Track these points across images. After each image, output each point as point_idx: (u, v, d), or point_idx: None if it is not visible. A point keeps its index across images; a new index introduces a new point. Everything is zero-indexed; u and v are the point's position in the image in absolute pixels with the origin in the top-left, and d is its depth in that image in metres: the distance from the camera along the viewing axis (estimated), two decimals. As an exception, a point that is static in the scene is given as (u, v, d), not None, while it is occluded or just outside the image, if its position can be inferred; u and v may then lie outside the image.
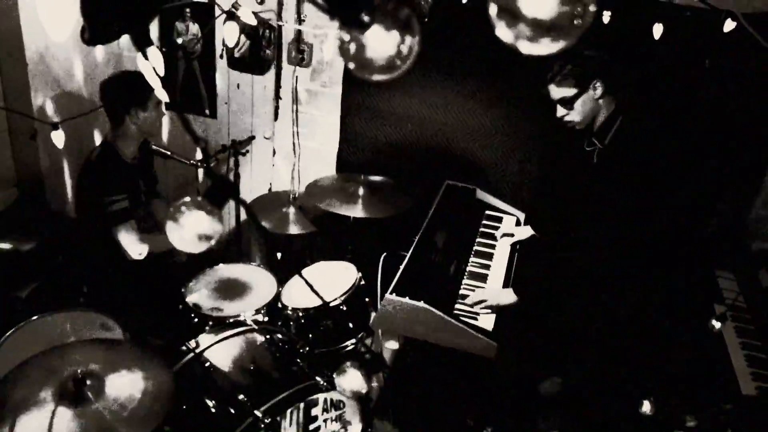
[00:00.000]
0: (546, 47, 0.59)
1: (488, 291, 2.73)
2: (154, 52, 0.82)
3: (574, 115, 2.56)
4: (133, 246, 2.91)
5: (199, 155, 3.61)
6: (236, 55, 3.73)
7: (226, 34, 1.98)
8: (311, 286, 0.96)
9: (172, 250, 3.31)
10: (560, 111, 2.58)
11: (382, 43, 0.68)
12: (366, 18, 0.65)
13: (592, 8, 0.58)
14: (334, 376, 1.08)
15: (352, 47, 0.68)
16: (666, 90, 3.11)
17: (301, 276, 0.94)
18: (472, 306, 2.65)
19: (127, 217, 2.91)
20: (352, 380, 1.07)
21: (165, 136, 4.04)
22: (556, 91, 2.55)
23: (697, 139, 3.14)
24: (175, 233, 0.72)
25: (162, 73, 0.84)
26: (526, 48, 0.61)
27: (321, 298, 0.99)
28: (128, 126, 2.93)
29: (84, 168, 2.99)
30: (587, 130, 2.63)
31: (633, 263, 2.63)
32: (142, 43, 0.80)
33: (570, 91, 2.51)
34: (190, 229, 0.71)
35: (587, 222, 2.65)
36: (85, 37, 1.21)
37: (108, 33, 1.14)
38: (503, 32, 0.61)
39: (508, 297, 2.63)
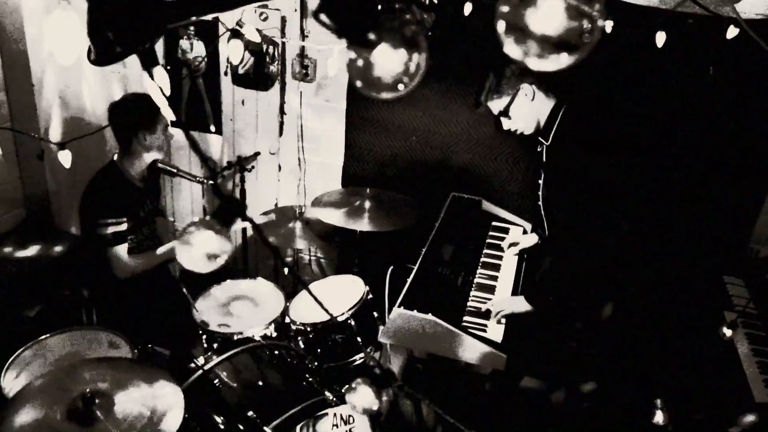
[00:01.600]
0: (555, 63, 0.59)
1: (501, 300, 2.72)
2: (159, 71, 0.82)
3: (517, 122, 2.59)
4: (122, 269, 2.97)
5: (205, 172, 3.62)
6: (241, 71, 3.76)
7: (231, 51, 2.00)
8: (318, 301, 0.95)
9: (167, 268, 3.34)
10: (505, 123, 2.62)
11: (389, 61, 0.68)
12: (372, 36, 0.65)
13: (600, 23, 0.58)
14: (345, 393, 1.07)
15: (360, 66, 0.68)
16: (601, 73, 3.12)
17: (308, 290, 0.94)
18: (484, 312, 2.65)
19: (120, 240, 2.95)
20: (362, 397, 1.06)
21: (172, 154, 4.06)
22: (493, 106, 2.58)
23: (706, 143, 3.13)
24: (184, 253, 0.72)
25: (168, 93, 0.84)
26: (536, 64, 0.61)
27: (328, 312, 0.99)
28: (136, 148, 2.95)
29: (88, 188, 3.01)
30: (538, 132, 2.65)
31: (638, 268, 2.63)
32: (148, 63, 0.80)
33: (502, 102, 2.54)
34: (199, 249, 0.71)
35: (568, 224, 2.66)
36: (91, 57, 1.22)
37: (114, 54, 1.15)
38: (512, 49, 0.61)
39: (521, 305, 2.61)
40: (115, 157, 3.03)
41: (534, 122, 2.59)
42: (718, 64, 2.84)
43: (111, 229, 2.90)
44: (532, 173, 2.85)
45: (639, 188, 3.16)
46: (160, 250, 3.12)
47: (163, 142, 3.00)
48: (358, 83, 0.69)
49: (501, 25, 0.61)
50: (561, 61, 0.59)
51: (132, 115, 2.93)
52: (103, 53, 1.16)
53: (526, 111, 2.55)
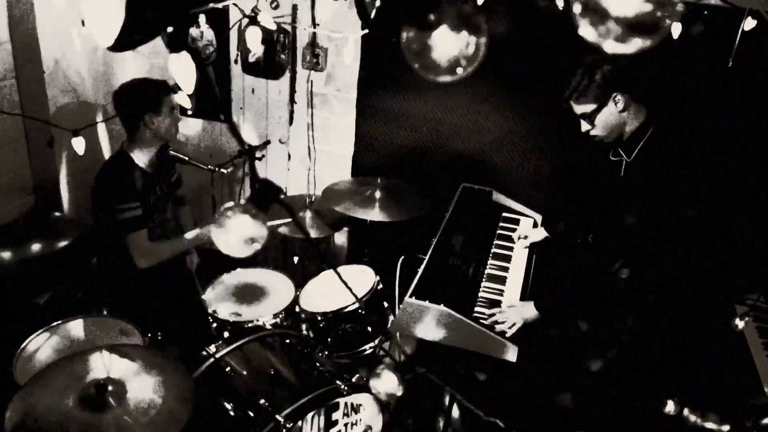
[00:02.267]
0: (632, 46, 0.58)
1: (510, 310, 2.62)
2: (185, 56, 0.81)
3: (599, 130, 2.48)
4: (144, 255, 2.95)
5: (218, 160, 3.61)
6: (251, 60, 3.74)
7: (249, 38, 1.99)
8: (345, 283, 0.95)
9: (183, 258, 3.34)
10: (584, 126, 2.51)
11: (448, 44, 0.66)
12: (432, 17, 0.64)
13: (680, 7, 0.56)
14: (369, 378, 1.06)
15: (417, 48, 0.67)
16: (692, 95, 3.04)
17: (336, 272, 0.93)
18: (492, 324, 2.59)
19: (140, 226, 2.93)
20: (387, 383, 1.06)
21: (183, 139, 4.05)
22: (577, 108, 2.47)
23: (729, 144, 3.08)
24: (221, 238, 0.71)
25: (194, 76, 0.83)
26: (611, 47, 0.59)
27: (355, 295, 0.99)
28: (143, 133, 2.94)
29: (99, 176, 3.01)
30: (616, 142, 2.56)
31: (654, 269, 2.60)
32: (174, 47, 0.79)
33: (589, 107, 2.43)
34: (236, 234, 0.70)
35: (609, 230, 2.61)
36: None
37: (132, 40, 1.14)
38: (587, 31, 0.59)
39: (530, 312, 2.57)
40: (125, 144, 3.03)
41: (617, 133, 2.49)
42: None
43: (128, 214, 2.89)
44: (595, 181, 2.81)
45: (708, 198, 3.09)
46: (189, 236, 3.11)
47: (171, 124, 2.97)
48: (415, 65, 0.67)
49: (577, 7, 0.59)
50: (637, 44, 0.57)
51: (136, 98, 2.92)
52: (121, 39, 1.16)
53: (614, 122, 2.44)
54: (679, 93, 3.06)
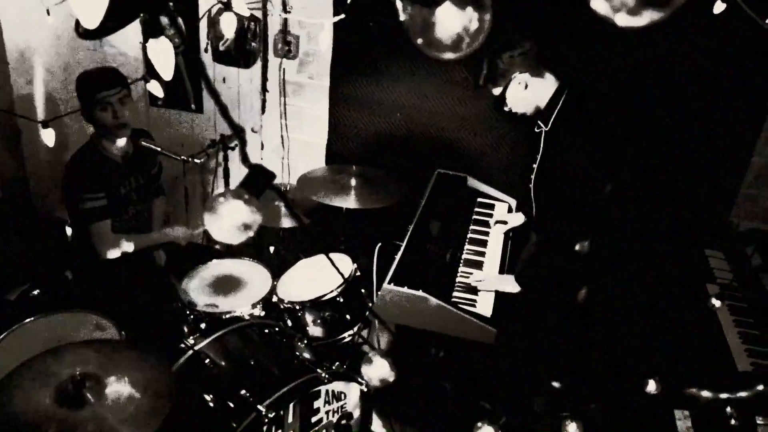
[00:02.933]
0: (645, 18, 0.57)
1: (491, 276, 2.75)
2: (163, 42, 0.79)
3: (516, 108, 2.57)
4: (105, 245, 2.92)
5: (190, 150, 3.56)
6: (221, 48, 3.68)
7: (224, 25, 1.96)
8: (336, 267, 0.94)
9: (152, 252, 3.30)
10: (504, 106, 2.59)
11: (452, 19, 0.65)
12: None
13: None
14: (361, 365, 1.06)
15: (420, 24, 0.66)
16: (606, 57, 3.11)
17: (327, 256, 0.93)
18: (472, 287, 2.68)
19: (102, 216, 2.89)
20: (378, 369, 1.06)
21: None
22: (492, 90, 2.57)
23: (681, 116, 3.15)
24: (214, 224, 0.70)
25: (172, 62, 0.81)
26: (624, 20, 0.58)
27: (341, 274, 0.99)
28: (105, 121, 2.87)
29: (66, 166, 2.95)
30: (537, 115, 2.62)
31: (623, 245, 2.64)
32: (151, 33, 0.77)
33: (497, 90, 2.53)
34: (229, 220, 0.69)
35: (563, 206, 2.64)
36: (80, 31, 1.18)
37: (105, 27, 1.12)
38: (599, 4, 0.59)
39: (511, 285, 2.64)
40: (93, 135, 2.98)
41: (533, 106, 2.56)
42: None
43: (89, 204, 2.85)
44: (525, 154, 2.81)
45: (627, 170, 3.16)
46: (154, 234, 3.12)
47: (122, 109, 2.87)
48: (419, 41, 0.67)
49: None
50: (649, 16, 0.57)
51: (89, 85, 2.84)
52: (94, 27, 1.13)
53: (521, 98, 2.53)
54: (592, 56, 3.13)
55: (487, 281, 2.70)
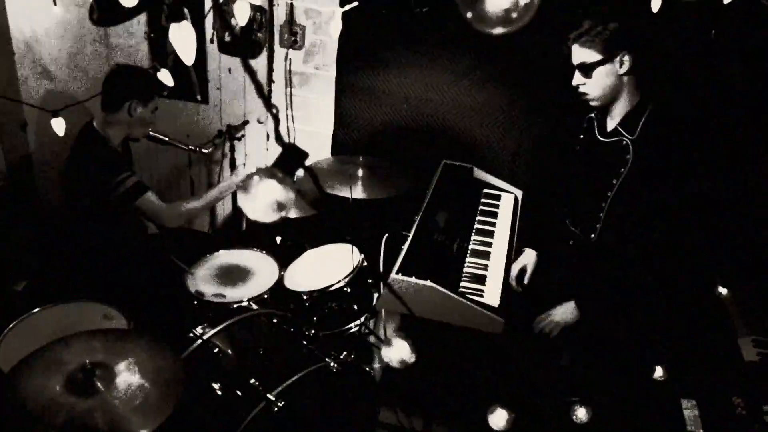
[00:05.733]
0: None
1: (550, 316, 2.69)
2: (185, 26, 0.79)
3: (591, 87, 2.41)
4: (164, 213, 2.98)
5: (195, 141, 3.56)
6: (227, 39, 3.68)
7: (237, 12, 1.95)
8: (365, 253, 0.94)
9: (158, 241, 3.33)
10: (577, 78, 2.42)
11: None
12: None
13: None
14: (381, 347, 1.07)
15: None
16: (690, 74, 2.93)
17: (349, 241, 0.93)
18: (542, 331, 2.68)
19: (143, 189, 2.93)
20: (400, 350, 1.06)
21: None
22: (578, 53, 2.36)
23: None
24: (248, 204, 0.70)
25: (194, 47, 0.81)
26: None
27: (353, 267, 0.98)
28: (122, 116, 2.92)
29: (76, 156, 2.95)
30: (602, 111, 2.53)
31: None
32: (174, 16, 0.77)
33: (592, 56, 2.32)
34: (263, 199, 0.69)
35: (619, 215, 2.54)
36: (94, 17, 1.18)
37: (118, 13, 1.11)
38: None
39: (571, 314, 2.63)
40: (95, 121, 2.99)
41: (607, 98, 2.42)
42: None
43: (128, 183, 2.89)
44: (591, 164, 2.65)
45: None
46: (212, 191, 3.14)
47: (146, 122, 2.99)
48: (469, 15, 0.66)
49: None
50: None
51: (132, 80, 2.93)
52: (107, 13, 1.12)
53: (610, 83, 2.37)
54: (677, 75, 2.96)
55: (549, 323, 2.67)
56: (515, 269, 2.98)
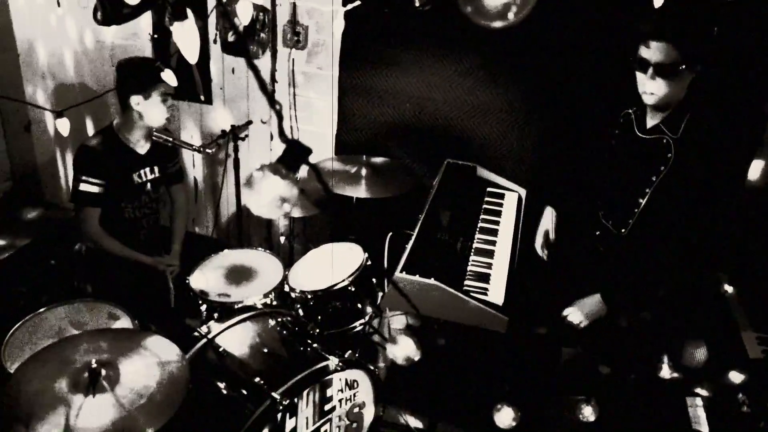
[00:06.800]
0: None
1: (580, 307, 2.62)
2: (189, 24, 0.79)
3: (660, 88, 2.28)
4: (87, 234, 2.99)
5: (199, 141, 3.57)
6: (230, 39, 3.68)
7: (240, 12, 1.94)
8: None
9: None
10: (644, 78, 2.30)
11: None
12: None
13: None
14: (387, 344, 1.07)
15: None
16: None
17: (353, 240, 0.93)
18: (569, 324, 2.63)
19: (93, 203, 2.94)
20: (405, 347, 1.07)
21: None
22: (657, 49, 2.21)
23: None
24: (252, 199, 0.71)
25: (197, 45, 0.81)
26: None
27: (359, 267, 0.99)
28: (131, 113, 2.93)
29: (80, 147, 2.96)
30: (642, 108, 2.47)
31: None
32: (177, 15, 0.77)
33: (672, 57, 2.19)
34: (267, 195, 0.70)
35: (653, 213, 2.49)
36: (98, 17, 1.18)
37: (121, 13, 1.12)
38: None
39: (597, 307, 2.58)
40: (115, 121, 3.00)
41: (672, 99, 2.34)
42: None
43: (83, 187, 2.88)
44: (628, 160, 2.59)
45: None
46: (142, 256, 3.11)
47: (159, 113, 2.96)
48: (468, 9, 0.67)
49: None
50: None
51: (128, 77, 2.90)
52: (111, 13, 1.13)
53: (678, 88, 2.29)
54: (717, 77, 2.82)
55: (576, 315, 2.62)
56: (540, 234, 2.94)
